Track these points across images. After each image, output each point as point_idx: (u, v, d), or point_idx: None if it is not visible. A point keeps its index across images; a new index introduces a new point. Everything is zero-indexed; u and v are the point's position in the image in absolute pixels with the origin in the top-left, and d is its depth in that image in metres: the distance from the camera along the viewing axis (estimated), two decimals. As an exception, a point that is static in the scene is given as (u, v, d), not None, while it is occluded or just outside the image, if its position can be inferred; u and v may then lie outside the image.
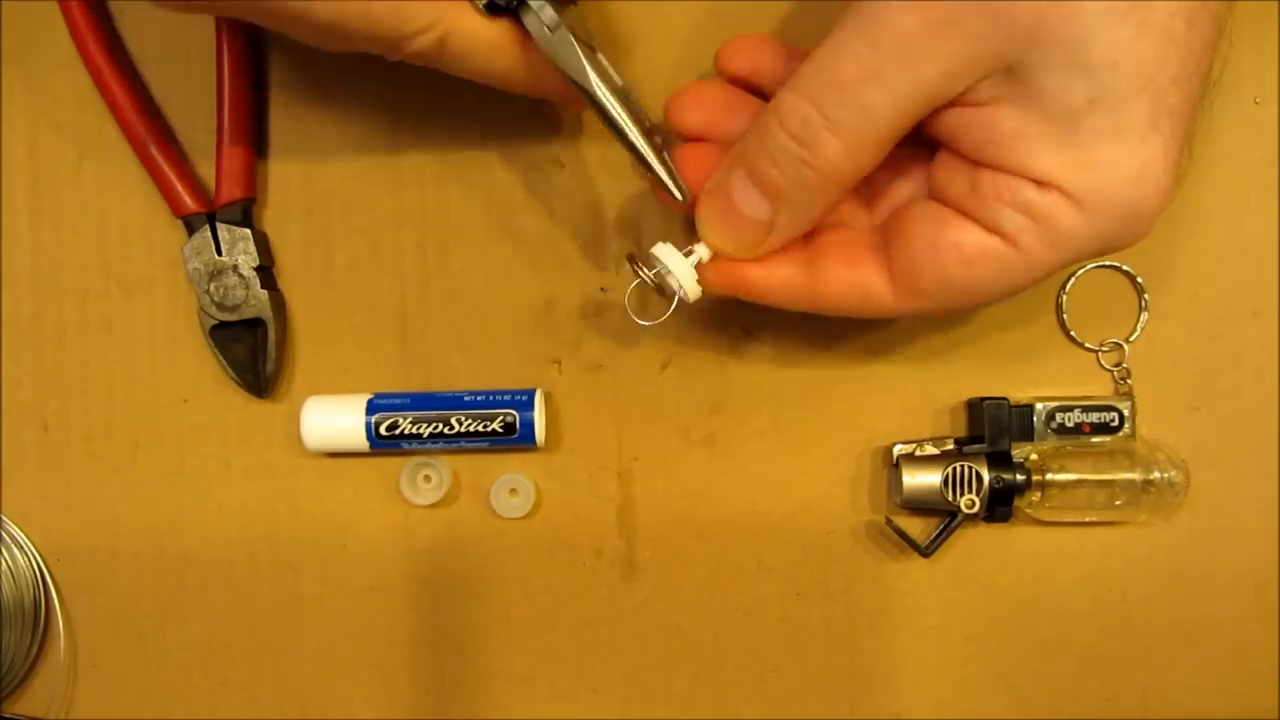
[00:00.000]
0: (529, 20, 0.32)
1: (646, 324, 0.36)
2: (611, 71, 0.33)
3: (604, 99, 0.32)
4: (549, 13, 0.32)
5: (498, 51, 0.33)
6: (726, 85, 0.35)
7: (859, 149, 0.29)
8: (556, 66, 0.32)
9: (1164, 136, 0.28)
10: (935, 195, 0.31)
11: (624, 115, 0.32)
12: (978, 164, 0.29)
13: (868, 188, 0.34)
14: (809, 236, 0.33)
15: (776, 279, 0.33)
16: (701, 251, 0.33)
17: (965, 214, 0.30)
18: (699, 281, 0.33)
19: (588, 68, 0.32)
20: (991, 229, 0.29)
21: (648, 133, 0.33)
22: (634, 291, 0.35)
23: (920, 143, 0.31)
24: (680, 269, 0.33)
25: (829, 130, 0.29)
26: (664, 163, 0.33)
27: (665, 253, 0.33)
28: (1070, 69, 0.27)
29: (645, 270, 0.33)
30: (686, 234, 0.34)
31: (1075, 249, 0.29)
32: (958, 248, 0.30)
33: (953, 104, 0.29)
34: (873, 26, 0.28)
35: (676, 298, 0.33)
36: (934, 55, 0.27)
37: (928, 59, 0.27)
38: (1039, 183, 0.28)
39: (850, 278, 0.32)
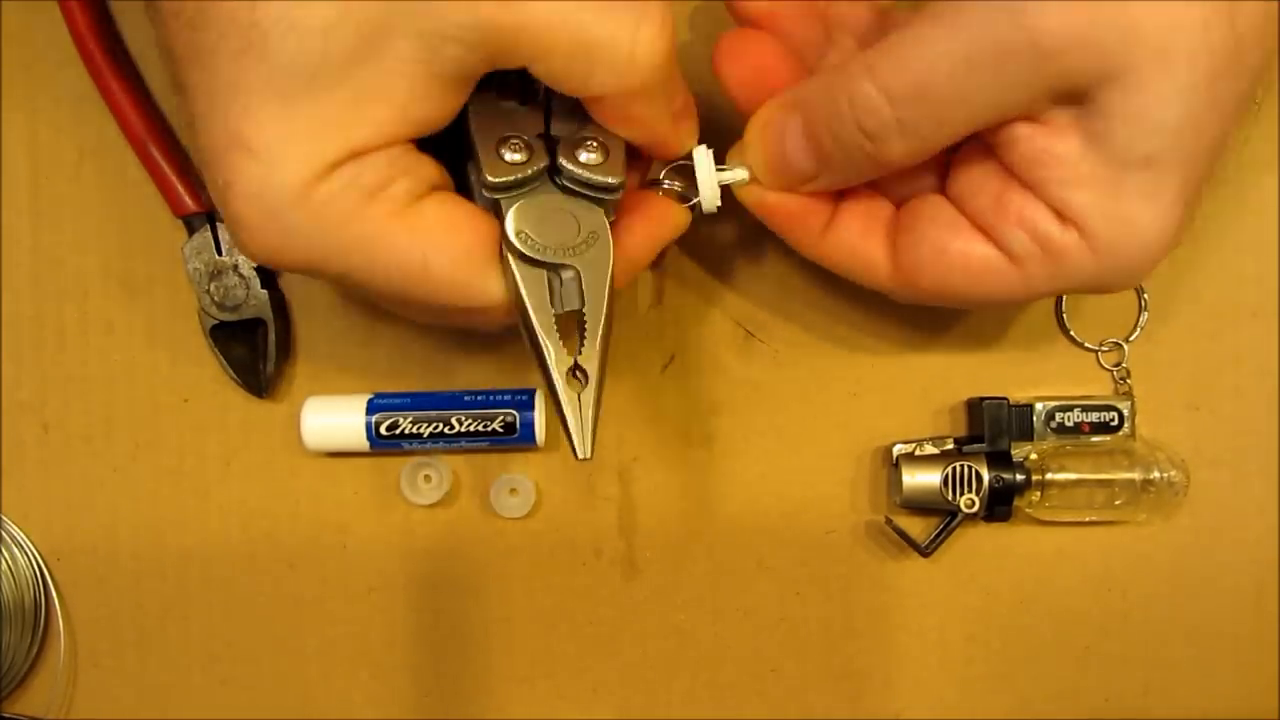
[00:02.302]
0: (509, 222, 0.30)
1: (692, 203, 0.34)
2: (575, 292, 0.30)
3: (539, 332, 0.29)
4: (507, 252, 0.29)
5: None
6: None
7: (922, 151, 0.29)
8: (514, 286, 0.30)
9: (1185, 205, 0.28)
10: (954, 198, 0.32)
11: (551, 349, 0.29)
12: (1011, 177, 0.29)
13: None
14: (840, 197, 0.33)
15: (804, 224, 0.33)
16: (740, 174, 0.32)
17: (979, 226, 0.30)
18: (736, 194, 0.33)
19: (530, 307, 0.29)
20: (1001, 246, 0.30)
21: (572, 370, 0.30)
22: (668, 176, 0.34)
23: None
24: (705, 178, 0.32)
25: (899, 132, 0.29)
26: (576, 412, 0.30)
27: (701, 157, 0.32)
28: (1143, 123, 0.27)
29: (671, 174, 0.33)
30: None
31: (1070, 285, 0.30)
32: (964, 257, 0.30)
33: (1023, 118, 0.28)
34: (973, 43, 0.27)
35: (693, 202, 0.33)
36: (1026, 82, 0.27)
37: (1019, 85, 0.27)
38: (1063, 218, 0.29)
39: (859, 247, 0.33)
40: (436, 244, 0.29)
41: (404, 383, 0.40)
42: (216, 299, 0.39)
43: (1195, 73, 0.26)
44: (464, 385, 0.40)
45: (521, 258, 0.29)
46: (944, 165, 0.33)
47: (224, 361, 0.40)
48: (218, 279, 0.39)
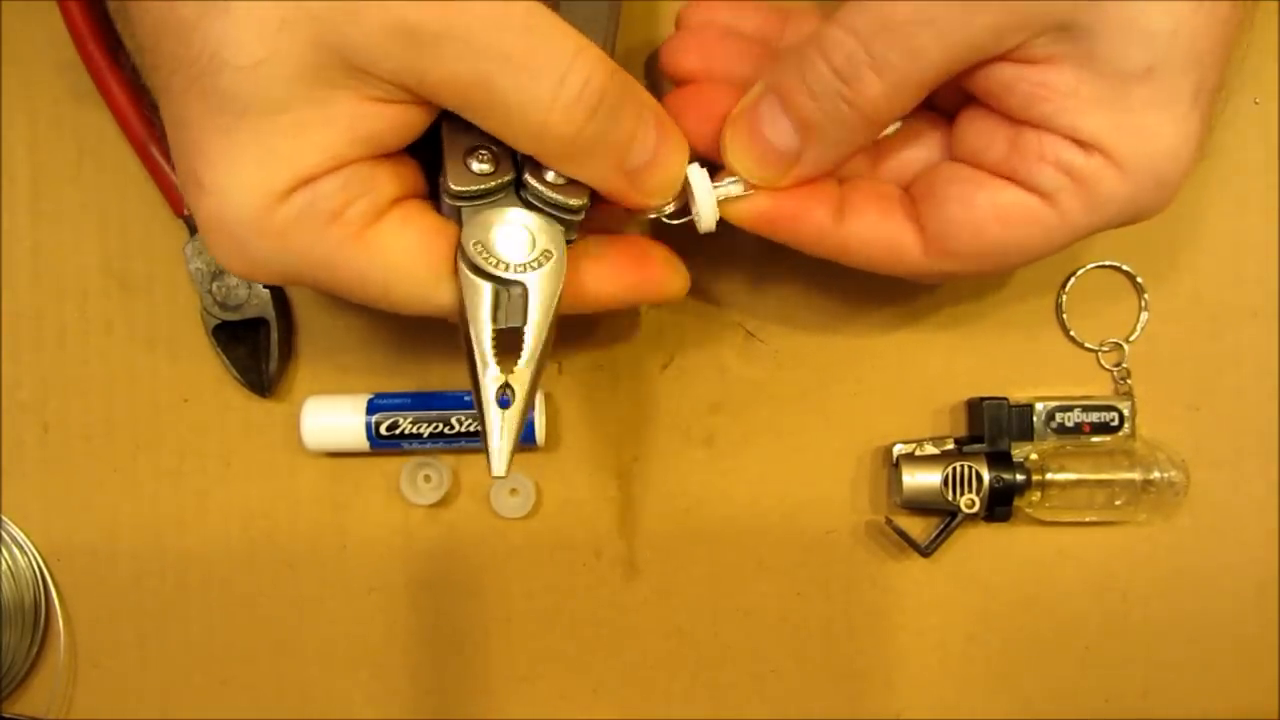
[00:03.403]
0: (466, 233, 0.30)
1: (663, 218, 0.32)
2: (527, 306, 0.30)
3: (475, 345, 0.29)
4: (461, 261, 0.29)
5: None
6: (723, 27, 0.34)
7: (900, 92, 0.28)
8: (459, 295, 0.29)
9: (1201, 114, 0.28)
10: (965, 159, 0.31)
11: (484, 364, 0.29)
12: (1020, 122, 0.29)
13: (876, 148, 0.33)
14: (840, 183, 0.32)
15: (809, 222, 0.31)
16: (732, 187, 0.31)
17: (1002, 174, 0.30)
18: (725, 215, 0.32)
19: (468, 310, 0.29)
20: (1030, 188, 0.29)
21: (502, 388, 0.29)
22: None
23: (933, 107, 0.31)
24: (703, 196, 0.31)
25: (873, 69, 0.28)
26: (498, 429, 0.29)
27: (695, 176, 0.31)
28: (1131, 33, 0.27)
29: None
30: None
31: (1109, 214, 0.29)
32: (995, 206, 0.30)
33: (1003, 58, 0.28)
34: None
35: (687, 219, 0.32)
36: (992, 6, 0.27)
37: (985, 9, 0.27)
38: (1084, 144, 0.28)
39: (880, 229, 0.31)
40: (394, 265, 0.29)
41: (404, 383, 0.40)
42: (219, 298, 0.40)
43: None
44: (464, 385, 0.40)
45: (472, 268, 0.29)
46: (944, 137, 0.32)
47: (226, 361, 0.40)
48: (219, 279, 0.39)
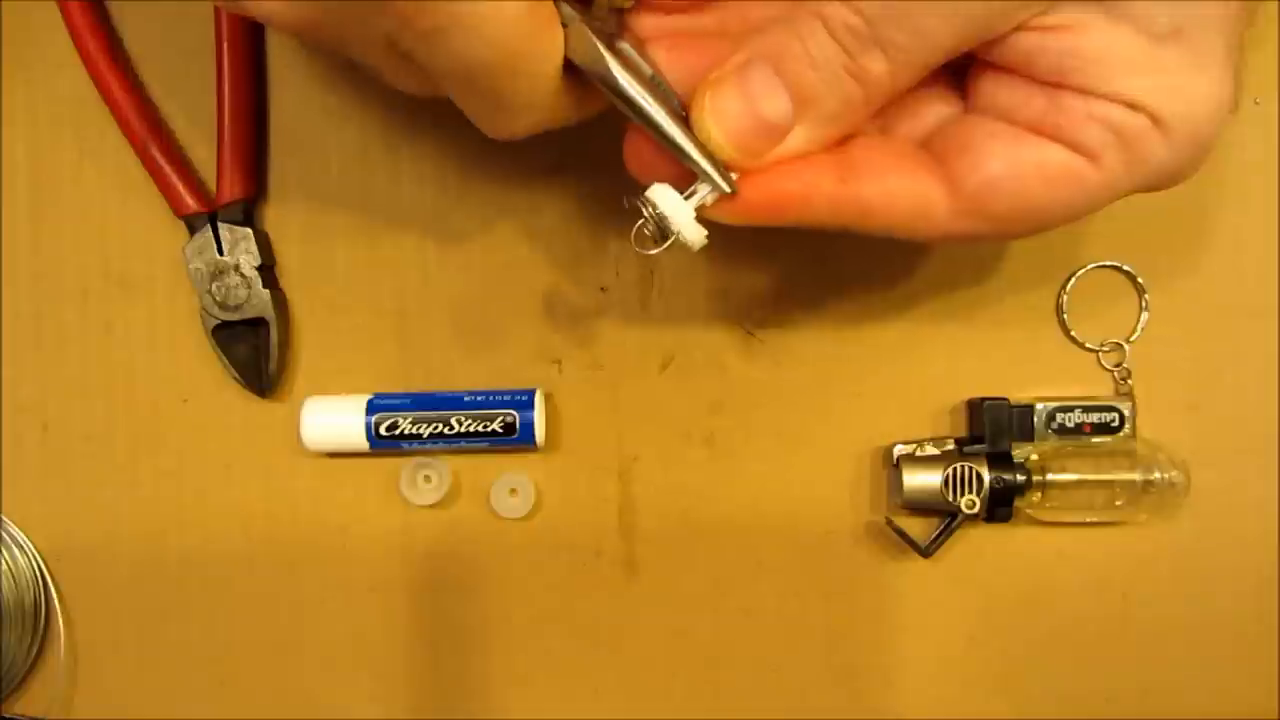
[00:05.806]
0: None
1: (647, 252, 0.30)
2: (640, 61, 0.29)
3: (628, 88, 0.28)
4: (566, 9, 0.28)
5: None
6: None
7: (906, 72, 0.27)
8: (576, 64, 0.28)
9: (1233, 72, 0.27)
10: (995, 115, 0.29)
11: (652, 102, 0.28)
12: (1053, 85, 0.28)
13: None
14: (841, 145, 0.30)
15: (818, 195, 0.29)
16: (712, 187, 0.29)
17: (1043, 133, 0.28)
18: (717, 217, 0.30)
19: (608, 57, 0.28)
20: (1075, 146, 0.28)
21: (684, 121, 0.29)
22: (639, 231, 0.30)
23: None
24: (677, 213, 0.29)
25: (879, 47, 0.27)
26: (705, 154, 0.28)
27: (661, 195, 0.29)
28: None
29: (648, 209, 0.29)
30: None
31: (1145, 174, 0.28)
32: (1041, 167, 0.28)
33: (1023, 28, 0.27)
34: None
35: (671, 241, 0.30)
36: None
37: None
38: (1129, 104, 0.27)
39: (904, 188, 0.29)
40: None
41: (404, 383, 0.40)
42: (218, 299, 0.39)
43: None
44: (464, 385, 0.40)
45: (600, 34, 0.28)
46: (955, 90, 0.31)
47: (226, 361, 0.40)
48: (219, 279, 0.39)
